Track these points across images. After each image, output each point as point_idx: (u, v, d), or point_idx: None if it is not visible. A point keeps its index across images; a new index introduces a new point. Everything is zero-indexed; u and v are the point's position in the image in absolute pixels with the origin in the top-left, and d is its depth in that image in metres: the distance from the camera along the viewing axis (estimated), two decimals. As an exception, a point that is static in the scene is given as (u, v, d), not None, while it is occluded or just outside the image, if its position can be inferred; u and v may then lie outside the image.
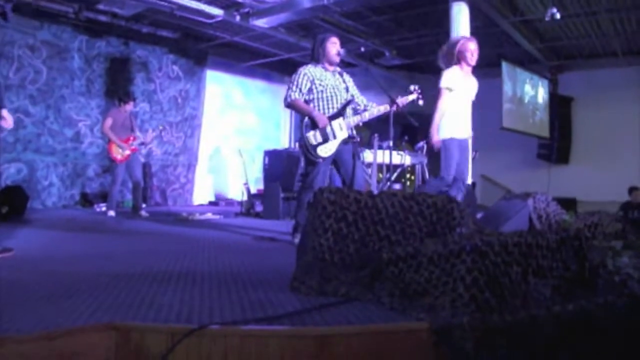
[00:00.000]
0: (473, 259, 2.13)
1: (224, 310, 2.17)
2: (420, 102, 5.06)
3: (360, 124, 4.86)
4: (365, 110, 4.88)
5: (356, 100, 4.93)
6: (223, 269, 3.27)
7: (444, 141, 4.92)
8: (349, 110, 4.78)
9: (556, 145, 11.75)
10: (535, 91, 11.56)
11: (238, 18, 8.93)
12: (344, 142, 4.69)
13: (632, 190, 9.94)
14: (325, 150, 4.61)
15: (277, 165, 9.03)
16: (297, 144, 9.59)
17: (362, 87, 5.03)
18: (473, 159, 8.15)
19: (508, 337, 2.02)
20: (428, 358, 1.95)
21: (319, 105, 4.71)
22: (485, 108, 8.74)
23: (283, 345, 1.86)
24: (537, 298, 2.22)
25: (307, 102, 4.74)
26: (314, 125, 4.62)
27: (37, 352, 1.76)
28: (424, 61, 11.80)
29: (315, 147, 4.60)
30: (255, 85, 13.08)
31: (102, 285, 2.60)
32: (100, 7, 8.59)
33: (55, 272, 3.02)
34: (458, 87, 4.93)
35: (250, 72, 12.79)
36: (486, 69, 9.76)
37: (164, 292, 2.48)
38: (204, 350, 1.86)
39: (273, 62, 12.32)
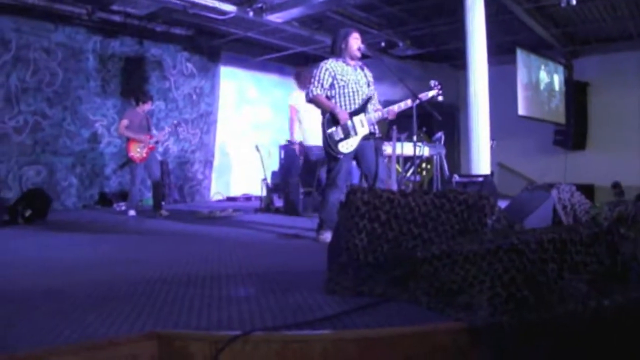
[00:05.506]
0: (510, 257, 2.13)
1: (264, 314, 2.18)
2: (440, 98, 5.03)
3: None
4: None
5: None
6: (254, 271, 3.29)
7: None
8: (370, 106, 4.75)
9: (572, 131, 11.64)
10: (550, 77, 11.46)
11: (251, 14, 8.92)
12: (365, 138, 4.67)
13: (651, 174, 9.88)
14: (347, 146, 4.60)
15: (293, 159, 9.01)
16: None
17: (376, 78, 5.00)
18: (491, 147, 8.12)
19: (547, 334, 2.02)
20: (468, 358, 1.96)
21: (340, 101, 4.69)
22: (501, 96, 8.71)
23: (326, 349, 1.87)
24: (573, 294, 2.22)
25: (328, 97, 4.72)
26: (335, 121, 4.60)
27: (83, 363, 1.79)
28: (437, 50, 11.75)
29: (336, 142, 4.59)
30: (269, 80, 13.06)
31: (138, 291, 2.63)
32: (114, 7, 8.60)
33: (90, 279, 3.06)
34: None
35: (263, 67, 12.78)
36: (501, 57, 9.69)
37: (200, 297, 2.50)
38: (247, 357, 1.88)
39: (286, 55, 12.30)
